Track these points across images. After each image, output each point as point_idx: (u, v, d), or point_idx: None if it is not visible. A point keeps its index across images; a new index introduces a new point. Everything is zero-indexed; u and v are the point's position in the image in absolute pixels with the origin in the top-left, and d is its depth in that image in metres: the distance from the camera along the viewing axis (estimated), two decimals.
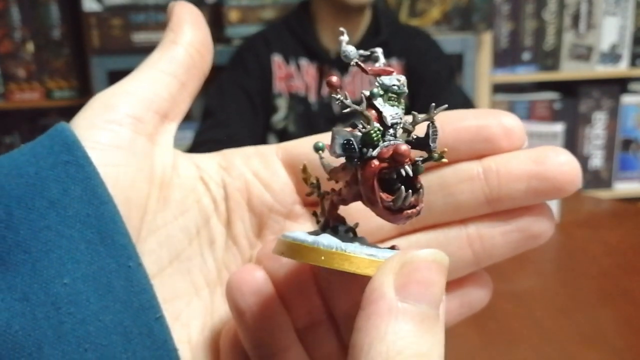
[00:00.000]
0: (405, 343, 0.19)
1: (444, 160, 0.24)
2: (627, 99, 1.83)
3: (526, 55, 1.80)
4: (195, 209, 0.29)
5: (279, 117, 1.34)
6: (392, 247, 0.25)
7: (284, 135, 1.32)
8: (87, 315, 0.23)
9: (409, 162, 0.23)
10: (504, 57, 1.80)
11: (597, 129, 1.83)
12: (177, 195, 0.29)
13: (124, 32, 1.60)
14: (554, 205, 1.10)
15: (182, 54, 0.29)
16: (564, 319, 0.80)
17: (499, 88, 1.82)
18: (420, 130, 0.24)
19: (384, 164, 0.23)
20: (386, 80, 0.24)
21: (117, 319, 0.23)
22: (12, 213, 0.23)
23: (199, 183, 0.29)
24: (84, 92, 1.75)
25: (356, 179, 0.24)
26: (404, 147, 0.22)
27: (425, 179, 0.29)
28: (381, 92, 0.24)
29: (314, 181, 0.27)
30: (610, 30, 1.79)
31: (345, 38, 0.25)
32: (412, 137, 0.24)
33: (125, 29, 1.60)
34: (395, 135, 0.24)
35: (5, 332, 0.22)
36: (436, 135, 0.24)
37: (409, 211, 0.23)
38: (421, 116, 0.24)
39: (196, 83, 0.30)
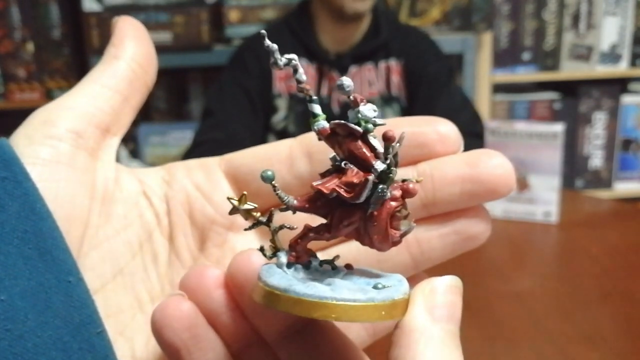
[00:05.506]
0: (443, 358, 0.21)
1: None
2: (627, 99, 1.83)
3: (526, 55, 1.81)
4: (138, 224, 0.29)
5: (279, 117, 1.34)
6: (347, 266, 0.25)
7: (284, 136, 1.32)
8: (25, 331, 0.22)
9: None
10: (504, 57, 1.80)
11: (597, 129, 1.83)
12: (120, 209, 0.29)
13: None
14: (554, 205, 1.10)
15: (124, 69, 0.29)
16: (564, 319, 0.80)
17: (499, 88, 1.82)
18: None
19: (397, 204, 0.23)
20: (366, 111, 0.23)
21: (57, 335, 0.23)
22: None
23: (141, 197, 0.30)
24: None
25: (349, 217, 0.23)
26: (412, 186, 0.23)
27: None
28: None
29: (262, 219, 0.25)
30: (610, 30, 1.79)
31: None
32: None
33: None
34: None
35: None
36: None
37: (403, 239, 0.24)
38: (397, 146, 0.23)
39: (139, 97, 0.30)
